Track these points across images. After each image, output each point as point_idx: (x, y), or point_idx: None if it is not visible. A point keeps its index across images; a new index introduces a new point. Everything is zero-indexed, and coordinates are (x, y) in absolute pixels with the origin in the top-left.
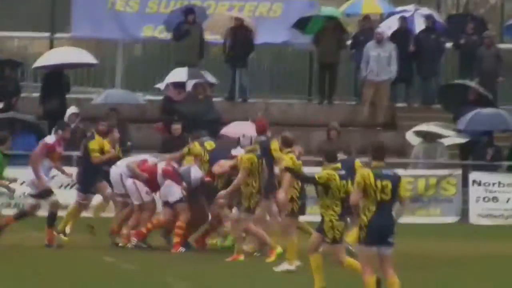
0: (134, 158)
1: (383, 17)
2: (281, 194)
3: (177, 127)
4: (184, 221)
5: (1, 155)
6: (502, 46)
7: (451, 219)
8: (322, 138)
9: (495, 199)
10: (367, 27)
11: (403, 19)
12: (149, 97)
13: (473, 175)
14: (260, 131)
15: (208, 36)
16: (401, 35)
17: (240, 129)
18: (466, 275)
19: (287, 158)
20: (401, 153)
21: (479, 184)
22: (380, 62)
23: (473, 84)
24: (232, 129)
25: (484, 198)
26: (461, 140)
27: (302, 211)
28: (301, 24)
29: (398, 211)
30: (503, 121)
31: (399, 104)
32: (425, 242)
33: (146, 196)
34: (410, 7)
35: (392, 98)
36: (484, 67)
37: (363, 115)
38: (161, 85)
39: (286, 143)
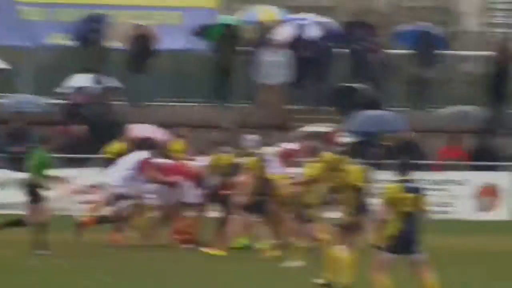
0: None
1: (279, 24)
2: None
3: (81, 129)
4: None
5: (45, 154)
6: (390, 51)
7: None
8: (220, 138)
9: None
10: (264, 34)
11: (298, 26)
12: (55, 101)
13: None
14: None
15: (111, 43)
16: (296, 41)
17: (143, 131)
18: None
19: None
20: None
21: None
22: (275, 66)
23: (362, 87)
24: (134, 132)
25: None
26: (350, 140)
27: None
28: (201, 31)
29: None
30: (389, 123)
31: (292, 106)
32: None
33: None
34: (305, 15)
35: (286, 101)
36: (373, 71)
37: (258, 117)
38: (66, 90)
39: None
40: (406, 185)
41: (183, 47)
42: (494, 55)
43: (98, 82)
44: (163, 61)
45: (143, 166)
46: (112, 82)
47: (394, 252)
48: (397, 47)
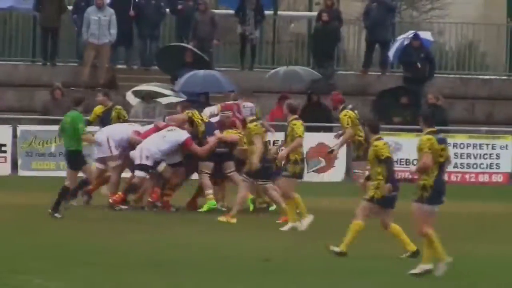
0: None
1: None
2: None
3: None
4: None
5: (80, 114)
6: (217, 11)
7: None
8: (46, 98)
9: None
10: None
11: None
12: None
13: None
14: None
15: None
16: (122, 1)
17: None
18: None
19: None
20: None
21: None
22: (101, 26)
23: (189, 46)
24: None
25: None
26: (179, 99)
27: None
28: None
29: None
30: (216, 83)
31: (119, 66)
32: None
33: None
34: None
35: (113, 60)
36: (200, 31)
37: (84, 76)
38: None
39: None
40: (437, 136)
41: (8, 6)
42: (322, 15)
43: None
44: None
45: (186, 142)
46: None
47: (432, 203)
48: (221, 7)
